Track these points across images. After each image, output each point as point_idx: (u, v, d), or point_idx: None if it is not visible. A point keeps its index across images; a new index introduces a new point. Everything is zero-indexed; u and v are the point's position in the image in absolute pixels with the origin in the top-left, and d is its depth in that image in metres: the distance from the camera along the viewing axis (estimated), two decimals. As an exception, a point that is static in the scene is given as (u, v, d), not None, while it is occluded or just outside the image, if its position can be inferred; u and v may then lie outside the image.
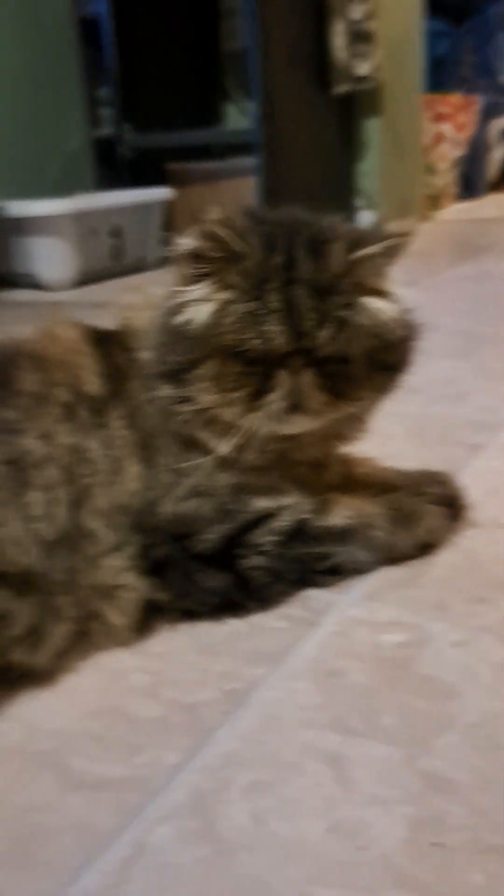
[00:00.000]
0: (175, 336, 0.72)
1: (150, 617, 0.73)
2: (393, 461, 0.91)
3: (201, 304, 0.71)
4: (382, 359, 0.73)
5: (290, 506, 0.75)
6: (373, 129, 3.35)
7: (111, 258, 2.78)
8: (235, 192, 3.07)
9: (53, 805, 0.54)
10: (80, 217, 2.58)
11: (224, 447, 0.72)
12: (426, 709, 0.61)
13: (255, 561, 0.73)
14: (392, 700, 0.62)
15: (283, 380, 0.69)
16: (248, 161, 2.97)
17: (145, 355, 0.76)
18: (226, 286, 0.70)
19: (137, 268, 2.95)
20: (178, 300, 0.73)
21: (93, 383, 0.76)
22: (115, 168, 3.45)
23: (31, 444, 0.71)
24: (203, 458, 0.74)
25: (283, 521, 0.74)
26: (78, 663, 0.68)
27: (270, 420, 0.70)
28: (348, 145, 3.35)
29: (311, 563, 0.75)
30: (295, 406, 0.69)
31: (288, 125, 2.87)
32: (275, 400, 0.69)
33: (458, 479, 0.87)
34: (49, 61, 3.33)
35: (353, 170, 3.43)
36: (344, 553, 0.76)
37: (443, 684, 0.63)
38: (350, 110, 3.27)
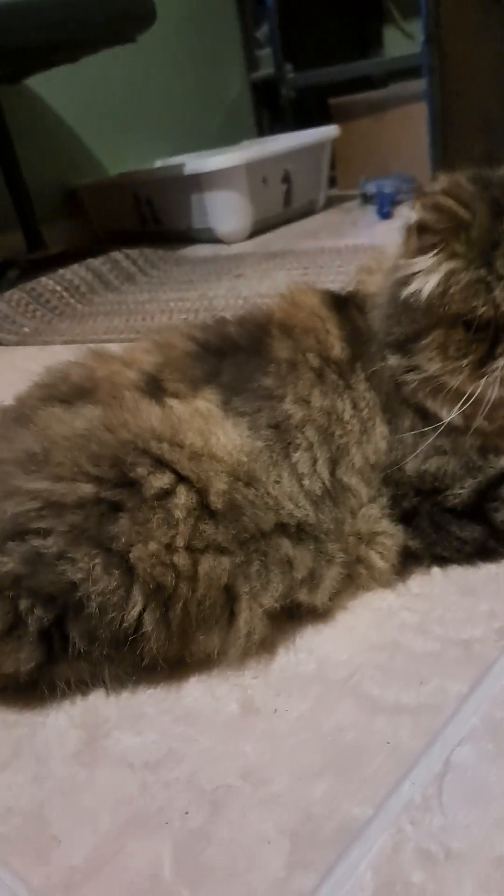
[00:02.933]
0: (402, 307, 0.75)
1: (405, 562, 0.79)
2: None
3: (428, 275, 0.72)
4: None
5: None
6: (550, 35, 3.11)
7: (283, 204, 2.81)
8: (403, 122, 2.98)
9: (360, 726, 0.62)
10: (252, 167, 2.62)
11: (452, 414, 0.74)
12: None
13: (510, 513, 0.76)
14: None
15: None
16: (414, 86, 2.87)
17: (375, 325, 0.80)
18: (453, 255, 0.71)
19: (308, 211, 2.97)
20: (406, 272, 0.74)
21: (337, 347, 0.81)
22: (275, 110, 3.44)
23: (290, 408, 0.77)
24: (435, 426, 0.75)
25: (538, 472, 0.77)
26: (349, 602, 0.76)
27: (498, 385, 0.71)
28: (523, 56, 3.14)
29: None
30: None
31: (458, 43, 2.73)
32: (503, 365, 0.70)
33: None
34: (206, 7, 3.35)
35: (528, 83, 3.22)
36: None
37: None
38: (525, 17, 3.05)
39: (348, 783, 0.57)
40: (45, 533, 0.67)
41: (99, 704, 0.69)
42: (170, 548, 0.67)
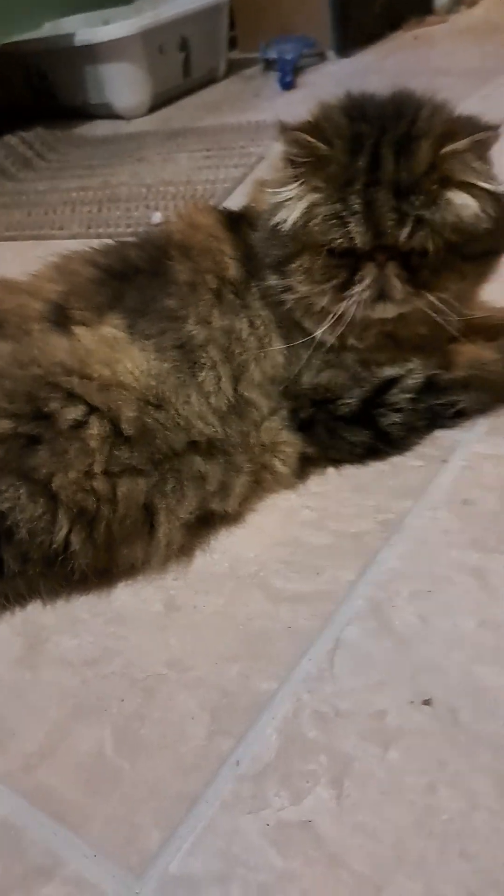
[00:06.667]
0: (273, 233, 0.80)
1: (304, 465, 0.88)
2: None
3: (291, 206, 0.78)
4: (470, 250, 0.76)
5: (417, 367, 0.86)
6: None
7: (182, 75, 2.69)
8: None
9: (267, 614, 0.72)
10: (147, 35, 2.47)
11: (321, 331, 0.81)
12: (549, 528, 0.75)
13: (393, 418, 0.85)
14: (520, 522, 0.76)
15: (369, 272, 0.75)
16: None
17: (258, 245, 0.84)
18: (313, 189, 0.76)
19: (209, 80, 2.84)
20: (274, 200, 0.80)
21: (232, 267, 0.86)
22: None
23: (193, 328, 0.83)
24: (307, 340, 0.82)
25: (415, 379, 0.85)
26: (257, 504, 0.85)
27: (359, 307, 0.77)
28: None
29: (440, 412, 0.87)
30: (381, 295, 0.76)
31: None
32: (361, 290, 0.76)
33: None
34: None
35: None
36: (468, 399, 0.87)
37: None
38: None
39: (257, 663, 0.68)
40: (-29, 467, 0.72)
41: (37, 614, 0.77)
42: (89, 474, 0.74)
